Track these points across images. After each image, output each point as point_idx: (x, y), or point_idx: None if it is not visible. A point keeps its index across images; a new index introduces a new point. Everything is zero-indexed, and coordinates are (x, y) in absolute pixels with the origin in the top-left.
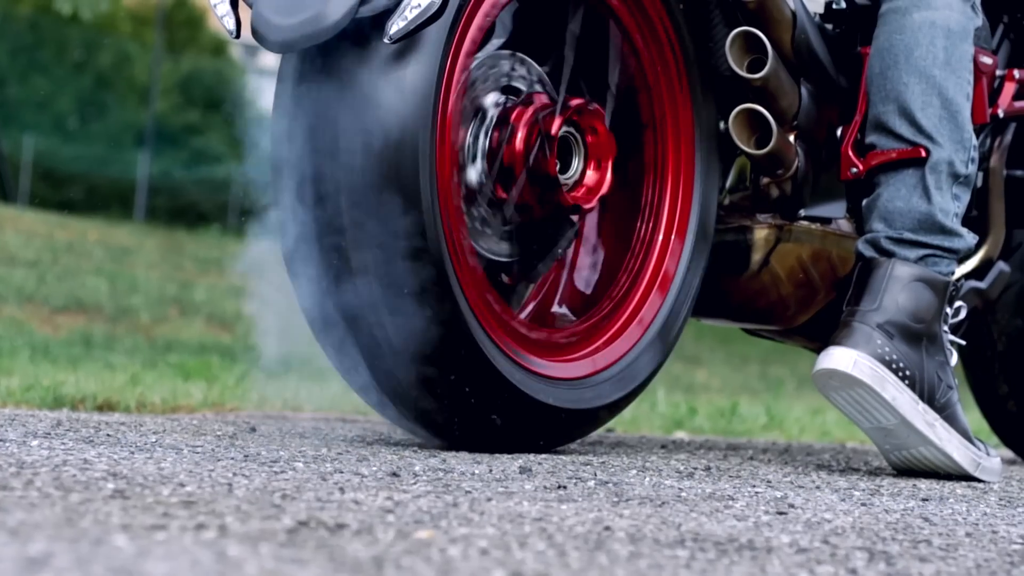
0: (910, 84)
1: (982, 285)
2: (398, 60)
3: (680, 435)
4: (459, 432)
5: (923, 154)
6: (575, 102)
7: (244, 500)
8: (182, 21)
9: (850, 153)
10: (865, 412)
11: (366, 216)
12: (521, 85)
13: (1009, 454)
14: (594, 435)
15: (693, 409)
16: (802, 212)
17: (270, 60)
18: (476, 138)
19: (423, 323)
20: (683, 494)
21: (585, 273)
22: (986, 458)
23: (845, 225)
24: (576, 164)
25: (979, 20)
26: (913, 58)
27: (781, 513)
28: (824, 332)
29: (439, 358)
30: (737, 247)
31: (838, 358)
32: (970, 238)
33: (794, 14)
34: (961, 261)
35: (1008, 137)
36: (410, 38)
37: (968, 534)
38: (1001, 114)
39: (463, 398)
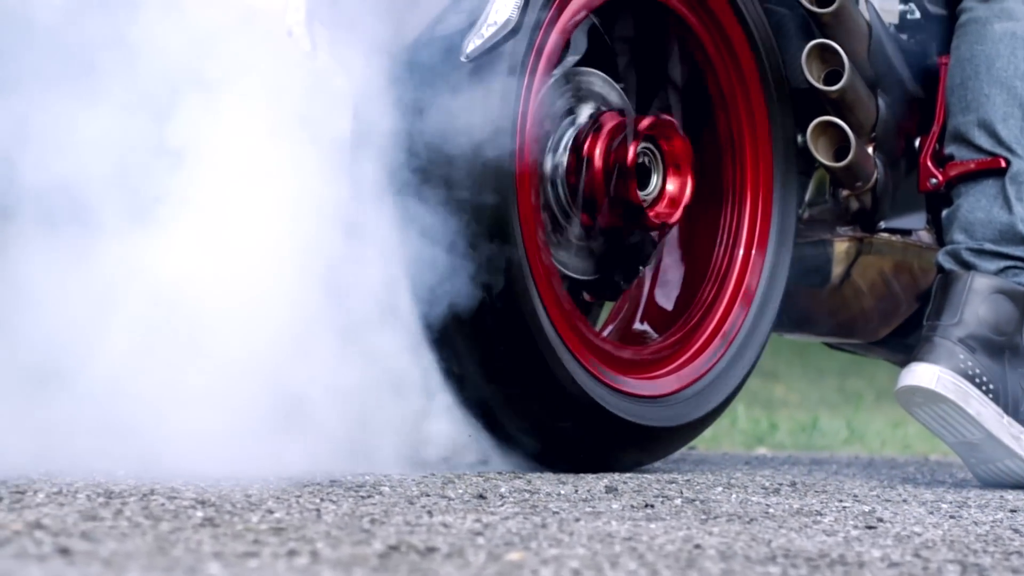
0: (991, 95)
1: None
2: (477, 79)
3: (762, 451)
4: (544, 452)
5: (1003, 164)
6: (644, 123)
7: (333, 525)
8: None
9: (929, 164)
10: (950, 427)
11: (453, 237)
12: (598, 102)
13: None
14: (676, 453)
15: (774, 425)
16: (882, 224)
17: None
18: (555, 161)
19: (505, 342)
20: (771, 510)
21: (666, 290)
22: None
23: (925, 236)
24: (655, 179)
25: None
26: (994, 69)
27: (870, 527)
28: (907, 345)
29: (522, 377)
30: (818, 261)
31: (920, 374)
32: None
33: (869, 25)
34: None
35: None
36: (488, 56)
37: None
38: None
39: (547, 417)
